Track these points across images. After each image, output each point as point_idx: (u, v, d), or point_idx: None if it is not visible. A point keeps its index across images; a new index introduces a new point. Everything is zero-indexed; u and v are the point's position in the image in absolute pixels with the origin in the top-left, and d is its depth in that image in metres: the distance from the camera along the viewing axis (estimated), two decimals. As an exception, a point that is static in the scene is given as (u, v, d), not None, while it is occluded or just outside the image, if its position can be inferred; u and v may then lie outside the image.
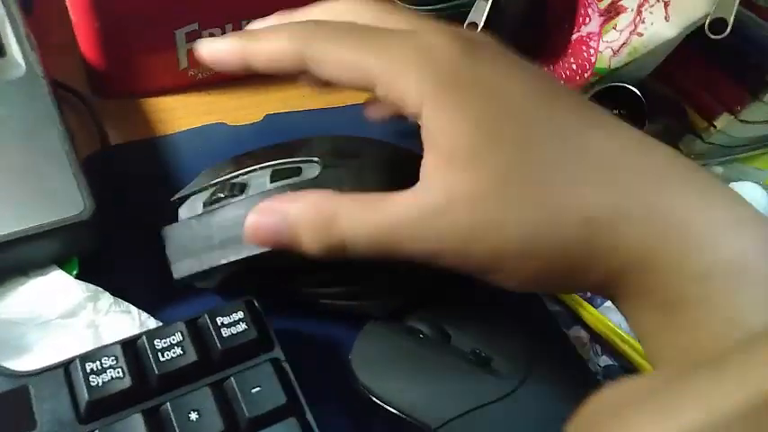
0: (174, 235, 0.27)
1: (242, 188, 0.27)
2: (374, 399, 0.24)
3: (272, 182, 0.26)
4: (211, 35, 0.37)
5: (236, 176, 0.27)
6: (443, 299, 0.23)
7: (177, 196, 0.29)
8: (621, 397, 0.17)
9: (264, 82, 0.40)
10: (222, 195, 0.26)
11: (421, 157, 0.26)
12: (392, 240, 0.20)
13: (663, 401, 0.15)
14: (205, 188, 0.28)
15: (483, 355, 0.25)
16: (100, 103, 0.37)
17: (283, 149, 0.28)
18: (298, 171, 0.26)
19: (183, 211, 0.28)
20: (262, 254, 0.25)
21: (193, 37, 0.37)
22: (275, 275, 0.27)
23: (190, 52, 0.37)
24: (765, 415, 0.13)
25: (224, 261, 0.25)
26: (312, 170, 0.26)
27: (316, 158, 0.26)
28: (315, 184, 0.25)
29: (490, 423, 0.23)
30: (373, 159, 0.27)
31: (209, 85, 0.39)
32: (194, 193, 0.28)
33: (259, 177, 0.27)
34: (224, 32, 0.38)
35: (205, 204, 0.27)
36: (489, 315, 0.28)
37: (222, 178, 0.28)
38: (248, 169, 0.27)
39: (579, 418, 0.17)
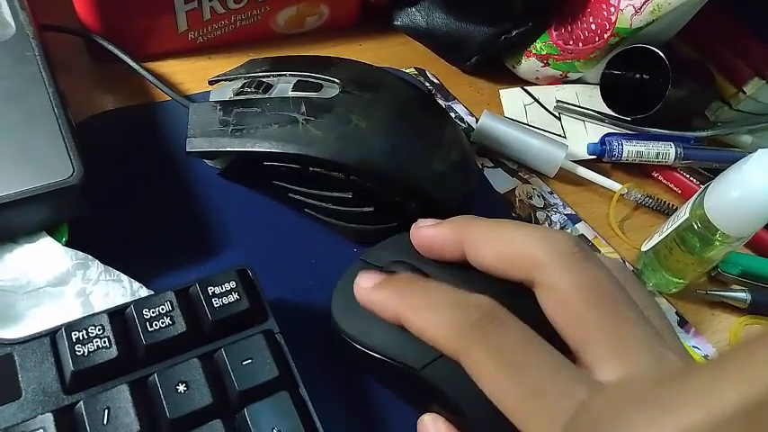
0: (198, 112, 0.30)
1: (267, 88, 0.29)
2: (358, 347, 0.24)
3: (293, 90, 0.29)
4: (211, -4, 0.36)
5: (267, 76, 0.30)
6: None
7: (213, 78, 0.32)
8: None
9: (265, 46, 0.39)
10: (249, 90, 0.29)
11: (439, 106, 0.33)
12: None
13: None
14: (238, 78, 0.31)
15: None
16: (98, 68, 0.36)
17: (317, 63, 0.31)
18: (318, 87, 0.29)
19: (214, 94, 0.31)
20: (262, 152, 0.27)
21: (192, -3, 0.35)
22: (274, 175, 0.29)
23: (189, 14, 0.36)
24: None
25: (230, 149, 0.28)
26: (331, 90, 0.29)
27: (338, 81, 0.29)
28: (328, 104, 0.28)
29: None
30: (387, 97, 0.29)
31: (210, 48, 0.38)
32: (228, 79, 0.31)
33: (285, 83, 0.30)
34: (225, -7, 0.36)
35: (234, 93, 0.30)
36: None
37: (254, 74, 0.30)
38: (279, 73, 0.30)
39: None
